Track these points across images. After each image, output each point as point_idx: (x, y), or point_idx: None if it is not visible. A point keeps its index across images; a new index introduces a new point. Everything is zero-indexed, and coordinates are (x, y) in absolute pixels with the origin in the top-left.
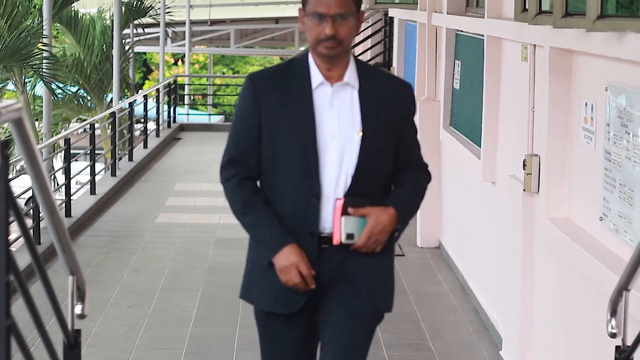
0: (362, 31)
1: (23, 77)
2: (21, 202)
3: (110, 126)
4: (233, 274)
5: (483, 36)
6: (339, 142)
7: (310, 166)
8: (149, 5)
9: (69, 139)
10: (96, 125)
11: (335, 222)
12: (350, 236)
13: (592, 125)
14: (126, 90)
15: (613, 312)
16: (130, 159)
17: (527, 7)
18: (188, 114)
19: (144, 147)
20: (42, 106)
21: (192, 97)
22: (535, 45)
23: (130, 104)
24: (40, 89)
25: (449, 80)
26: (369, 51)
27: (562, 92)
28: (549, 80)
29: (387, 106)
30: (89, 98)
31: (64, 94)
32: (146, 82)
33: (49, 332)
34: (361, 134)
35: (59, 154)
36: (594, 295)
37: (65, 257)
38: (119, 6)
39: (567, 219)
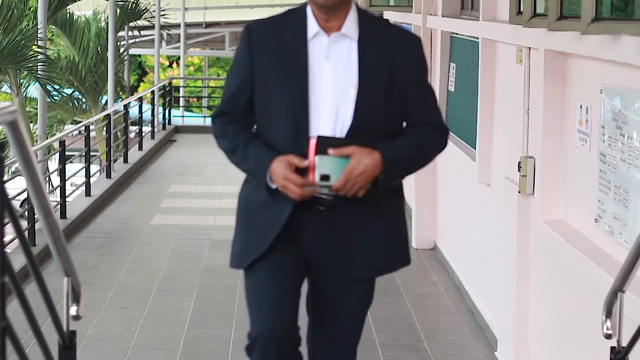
0: None
1: (18, 79)
2: (16, 203)
3: (105, 128)
4: (228, 275)
5: (478, 39)
6: (334, 96)
7: (301, 121)
8: (144, 8)
9: (64, 141)
10: (91, 127)
11: (311, 161)
12: (325, 177)
13: (587, 127)
14: (121, 93)
15: (608, 314)
16: (125, 160)
17: (521, 10)
18: (183, 116)
19: (139, 149)
20: (37, 108)
21: (187, 99)
22: (530, 47)
23: (125, 106)
24: (34, 91)
25: (444, 82)
26: None
27: (557, 94)
28: (543, 82)
29: (390, 62)
30: (84, 100)
31: (59, 96)
32: (141, 84)
33: (44, 333)
34: (357, 88)
35: (53, 156)
36: (589, 297)
37: (60, 259)
38: (113, 8)
39: (562, 221)
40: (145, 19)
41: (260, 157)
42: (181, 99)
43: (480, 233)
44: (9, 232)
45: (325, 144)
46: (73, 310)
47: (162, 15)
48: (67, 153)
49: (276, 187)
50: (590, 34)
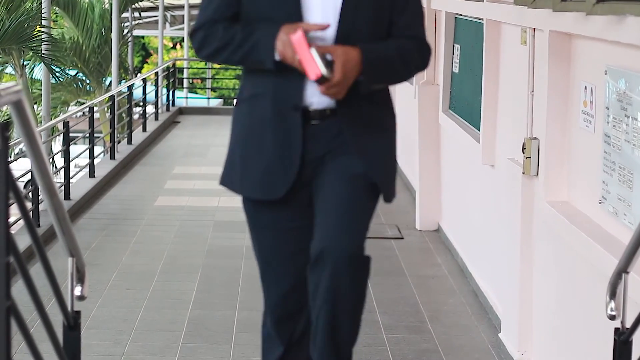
0: None
1: (22, 60)
2: (20, 184)
3: (109, 109)
4: (232, 256)
5: (482, 20)
6: (324, 5)
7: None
8: None
9: (68, 122)
10: (95, 108)
11: (302, 57)
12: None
13: (592, 108)
14: (125, 74)
15: (612, 295)
16: (129, 142)
17: None
18: (187, 98)
19: (142, 131)
20: (40, 89)
21: (190, 81)
22: (534, 29)
23: (129, 88)
24: (38, 72)
25: (448, 64)
26: None
27: (561, 75)
28: (548, 63)
29: None
30: (87, 81)
31: (63, 77)
32: (145, 65)
33: (48, 313)
34: None
35: (57, 137)
36: (593, 278)
37: (64, 239)
38: None
39: (567, 202)
40: (149, 0)
41: (266, 27)
42: (185, 81)
43: (484, 214)
44: (14, 213)
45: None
46: (77, 291)
47: None
48: (71, 134)
49: (280, 59)
50: (595, 15)
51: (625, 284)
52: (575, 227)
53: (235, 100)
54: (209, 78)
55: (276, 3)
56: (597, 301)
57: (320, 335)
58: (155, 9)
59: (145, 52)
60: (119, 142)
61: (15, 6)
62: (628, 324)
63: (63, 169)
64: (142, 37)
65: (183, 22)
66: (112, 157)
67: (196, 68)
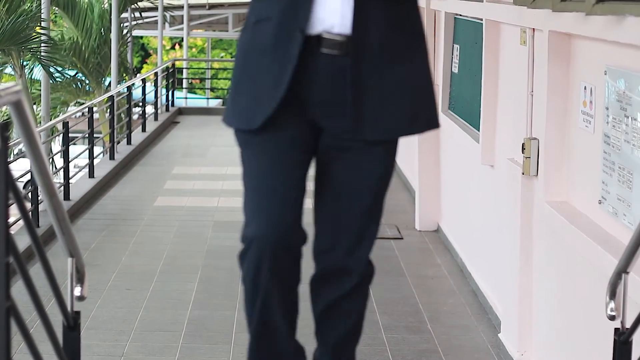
0: None
1: (21, 60)
2: (19, 185)
3: (108, 110)
4: (232, 256)
5: (482, 20)
6: None
7: None
8: None
9: (67, 122)
10: (94, 108)
11: None
12: None
13: (591, 108)
14: (124, 74)
15: (612, 295)
16: (129, 142)
17: None
18: (186, 98)
19: (142, 131)
20: (40, 90)
21: (190, 81)
22: (534, 29)
23: (129, 88)
24: (38, 73)
25: (447, 64)
26: None
27: (561, 75)
28: (547, 64)
29: None
30: (87, 82)
31: (62, 77)
32: (144, 66)
33: (48, 314)
34: None
35: (57, 137)
36: (592, 278)
37: (64, 239)
38: None
39: (566, 203)
40: (148, 0)
41: None
42: (184, 81)
43: (484, 215)
44: (13, 214)
45: None
46: (77, 291)
47: None
48: (70, 135)
49: None
50: (594, 15)
51: (625, 284)
52: (574, 228)
53: (241, 29)
54: (208, 78)
55: None
56: (596, 301)
57: (325, 347)
58: (155, 9)
59: (144, 52)
60: (118, 142)
61: (15, 7)
62: (628, 324)
63: (62, 169)
64: (141, 37)
65: (182, 23)
66: (112, 157)
67: (195, 68)
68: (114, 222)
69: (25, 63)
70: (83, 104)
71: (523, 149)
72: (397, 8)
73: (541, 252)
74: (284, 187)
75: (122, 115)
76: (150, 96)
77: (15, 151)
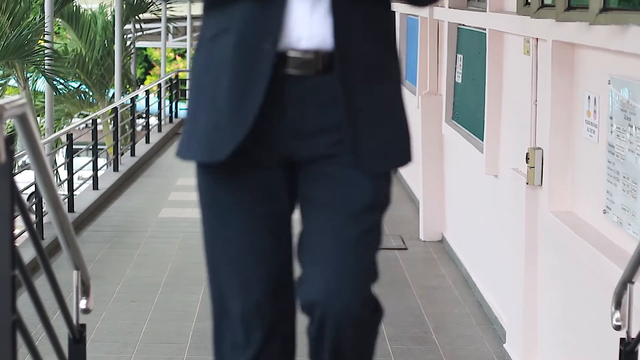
0: None
1: (25, 72)
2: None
3: (112, 121)
4: None
5: (485, 30)
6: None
7: None
8: (150, 1)
9: (71, 134)
10: (98, 120)
11: None
12: None
13: (595, 118)
14: (128, 86)
15: (617, 305)
16: (133, 154)
17: (529, 1)
18: None
19: (146, 142)
20: (44, 102)
21: None
22: (537, 38)
23: (132, 99)
24: (41, 85)
25: (451, 74)
26: None
27: (564, 85)
28: (551, 73)
29: None
30: (90, 93)
31: (66, 89)
32: (147, 77)
33: (53, 326)
34: None
35: (61, 149)
36: (597, 288)
37: (69, 252)
38: (120, 2)
39: (571, 212)
40: (151, 11)
41: None
42: (188, 92)
43: (488, 225)
44: (18, 226)
45: None
46: (83, 304)
47: (168, 8)
48: (74, 146)
49: None
50: (598, 25)
51: (631, 294)
52: (579, 237)
53: (194, 49)
54: None
55: None
56: (602, 311)
57: None
58: (158, 20)
59: (147, 63)
60: (122, 154)
61: (18, 19)
62: (634, 334)
63: (67, 181)
64: (145, 48)
65: (185, 34)
66: (116, 169)
67: None
68: (118, 234)
69: (29, 75)
70: (87, 115)
71: (527, 158)
72: (375, 12)
73: (546, 262)
74: (263, 260)
75: (126, 127)
76: (153, 107)
77: (19, 163)
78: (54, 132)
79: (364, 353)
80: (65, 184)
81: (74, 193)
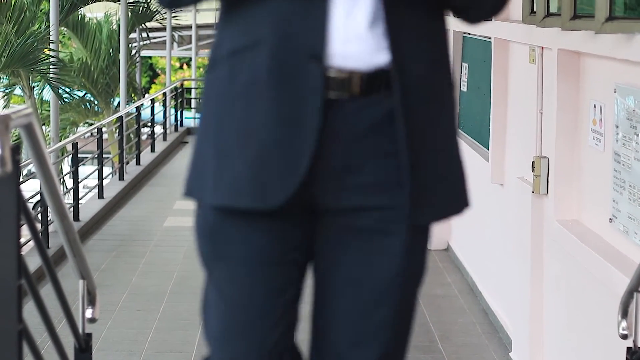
0: None
1: (30, 81)
2: (29, 206)
3: (117, 130)
4: None
5: (490, 38)
6: None
7: None
8: (155, 10)
9: (77, 143)
10: (103, 129)
11: None
12: None
13: (601, 127)
14: (133, 95)
15: (624, 314)
16: (138, 162)
17: (535, 9)
18: (195, 118)
19: (151, 151)
20: (49, 110)
21: (199, 101)
22: (543, 47)
23: (137, 108)
24: (47, 94)
25: (456, 82)
26: None
27: (570, 94)
28: (557, 82)
29: None
30: (96, 102)
31: (71, 98)
32: (152, 86)
33: (59, 335)
34: None
35: (66, 158)
36: (604, 297)
37: (75, 261)
38: (125, 11)
39: (577, 221)
40: (156, 20)
41: None
42: (193, 101)
43: (494, 233)
44: (24, 235)
45: None
46: (89, 313)
47: (174, 16)
48: (79, 155)
49: None
50: (604, 33)
51: (637, 303)
52: (585, 246)
53: (207, 67)
54: None
55: None
56: (608, 320)
57: None
58: (163, 29)
59: (152, 72)
60: (127, 162)
61: (24, 28)
62: None
63: (72, 190)
64: (150, 57)
65: (191, 42)
66: (121, 177)
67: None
68: (124, 243)
69: (34, 84)
70: (92, 124)
71: (533, 167)
72: (430, 24)
73: (552, 270)
74: (269, 308)
75: (131, 136)
76: (159, 116)
77: (25, 172)
78: (60, 141)
79: None
80: (71, 193)
81: (80, 202)
